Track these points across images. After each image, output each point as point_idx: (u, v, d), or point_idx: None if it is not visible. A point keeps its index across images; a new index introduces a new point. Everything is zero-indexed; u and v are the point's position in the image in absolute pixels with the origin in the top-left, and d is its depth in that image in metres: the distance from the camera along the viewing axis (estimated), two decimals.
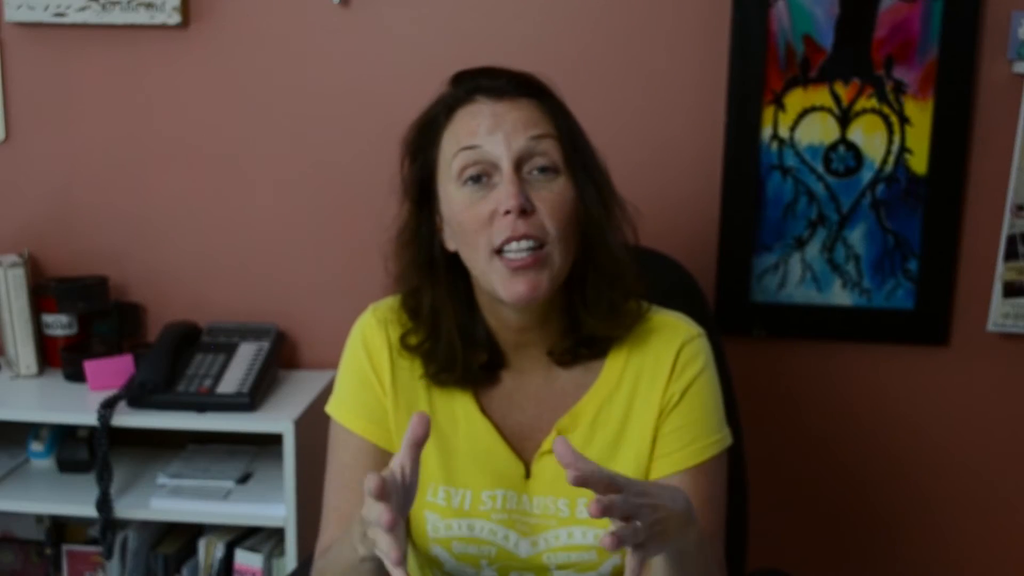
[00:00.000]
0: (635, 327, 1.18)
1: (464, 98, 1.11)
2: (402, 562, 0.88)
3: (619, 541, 0.86)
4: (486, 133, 1.08)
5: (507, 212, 1.06)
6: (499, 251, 1.07)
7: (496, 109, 1.09)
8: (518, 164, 1.08)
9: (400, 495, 0.93)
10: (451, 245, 1.15)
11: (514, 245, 1.07)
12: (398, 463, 0.95)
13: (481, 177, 1.09)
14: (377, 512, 0.88)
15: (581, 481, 0.88)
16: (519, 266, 1.07)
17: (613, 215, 1.15)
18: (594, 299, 1.15)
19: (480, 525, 1.15)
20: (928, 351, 1.86)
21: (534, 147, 1.09)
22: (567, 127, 1.13)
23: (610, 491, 0.89)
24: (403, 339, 1.18)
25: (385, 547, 0.89)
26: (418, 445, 0.96)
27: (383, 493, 0.89)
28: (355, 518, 1.00)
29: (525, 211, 1.06)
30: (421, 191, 1.15)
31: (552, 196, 1.09)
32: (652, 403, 1.16)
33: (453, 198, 1.11)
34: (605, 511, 0.87)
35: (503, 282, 1.08)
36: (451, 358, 1.15)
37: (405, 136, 1.16)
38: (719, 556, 1.17)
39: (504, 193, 1.06)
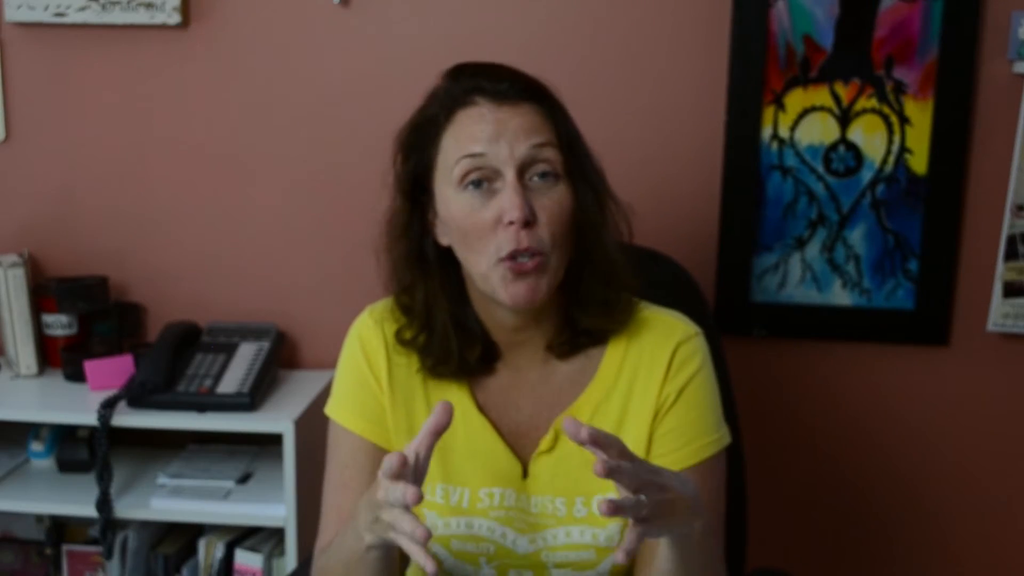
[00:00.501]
0: (630, 321, 1.18)
1: (463, 99, 1.11)
2: (427, 540, 0.89)
3: (616, 509, 0.86)
4: (489, 140, 1.08)
5: (511, 223, 1.06)
6: (503, 259, 1.08)
7: (498, 115, 1.09)
8: (520, 171, 1.08)
9: (411, 480, 0.93)
10: (444, 241, 1.15)
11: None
12: (413, 448, 0.95)
13: (482, 183, 1.09)
14: (400, 490, 0.89)
15: (595, 440, 0.88)
16: (521, 270, 1.07)
17: (609, 216, 1.16)
18: (588, 298, 1.16)
19: (478, 523, 1.15)
20: (928, 351, 1.86)
21: (536, 154, 1.09)
22: (566, 132, 1.13)
23: (623, 458, 0.90)
24: (398, 334, 1.18)
25: (409, 527, 0.90)
26: (437, 433, 0.96)
27: (403, 473, 0.89)
28: (359, 507, 1.01)
29: (528, 222, 1.07)
30: (415, 188, 1.15)
31: (552, 204, 1.09)
32: (647, 403, 1.16)
33: (452, 202, 1.10)
34: (610, 472, 0.87)
35: (504, 285, 1.08)
36: (446, 350, 1.16)
37: (400, 132, 1.16)
38: (719, 556, 1.17)
39: (508, 203, 1.07)
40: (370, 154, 1.81)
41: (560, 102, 1.14)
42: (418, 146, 1.14)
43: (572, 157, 1.12)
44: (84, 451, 1.82)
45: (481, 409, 1.17)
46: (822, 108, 1.79)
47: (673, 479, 0.95)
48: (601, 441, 0.89)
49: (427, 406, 1.18)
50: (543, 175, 1.09)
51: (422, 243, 1.16)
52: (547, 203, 1.09)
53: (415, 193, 1.15)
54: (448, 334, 1.15)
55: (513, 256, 1.07)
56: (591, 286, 1.15)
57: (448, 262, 1.16)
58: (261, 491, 1.77)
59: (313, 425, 1.67)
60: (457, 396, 1.18)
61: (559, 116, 1.13)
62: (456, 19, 1.84)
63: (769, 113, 1.80)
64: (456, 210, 1.10)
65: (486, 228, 1.08)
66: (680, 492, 0.95)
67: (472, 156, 1.08)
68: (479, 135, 1.09)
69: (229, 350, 1.84)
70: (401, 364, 1.19)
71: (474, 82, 1.11)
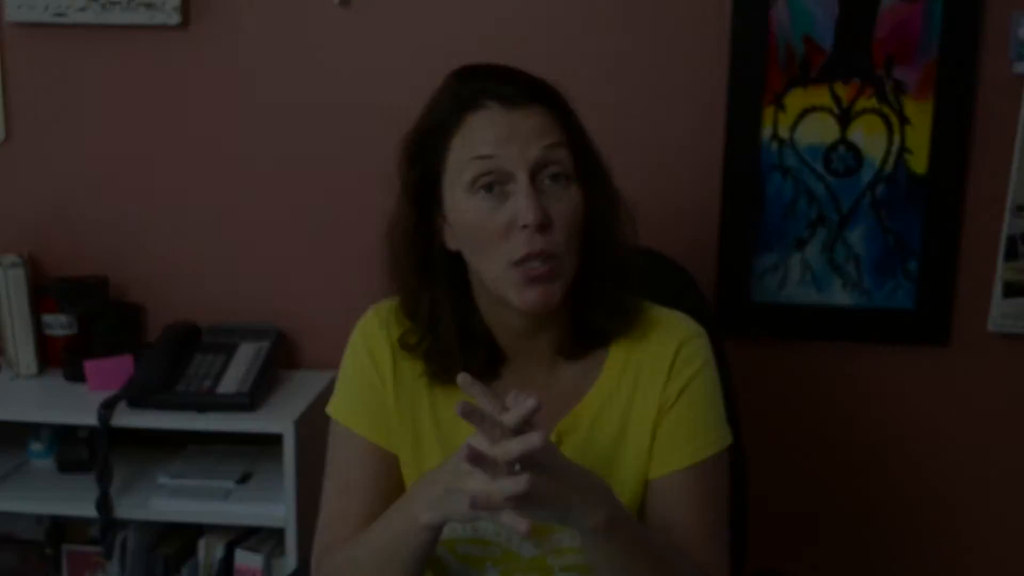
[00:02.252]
0: (636, 323, 1.18)
1: (472, 102, 1.10)
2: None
3: (476, 457, 0.93)
4: (499, 142, 1.07)
5: (525, 226, 1.06)
6: (516, 263, 1.08)
7: (509, 117, 1.08)
8: (532, 174, 1.08)
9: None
10: (453, 246, 1.14)
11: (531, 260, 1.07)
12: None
13: (494, 186, 1.08)
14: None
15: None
16: (535, 276, 1.07)
17: (619, 217, 1.15)
18: (599, 300, 1.15)
19: (484, 527, 1.15)
20: (928, 351, 1.86)
21: (548, 156, 1.08)
22: (576, 132, 1.12)
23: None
24: (402, 339, 1.18)
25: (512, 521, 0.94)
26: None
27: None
28: (419, 492, 1.04)
29: (543, 225, 1.06)
30: (422, 194, 1.15)
31: (565, 208, 1.09)
32: (650, 403, 1.16)
33: (463, 206, 1.10)
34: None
35: (518, 291, 1.08)
36: (450, 357, 1.15)
37: (408, 137, 1.15)
38: (720, 556, 1.17)
39: (523, 207, 1.06)
40: (370, 154, 1.83)
41: (568, 103, 1.14)
42: (426, 152, 1.13)
43: (583, 158, 1.12)
44: (84, 451, 1.82)
45: None
46: (822, 108, 1.79)
47: (574, 472, 0.99)
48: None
49: (432, 411, 1.18)
50: (555, 177, 1.09)
51: (429, 250, 1.15)
52: (560, 207, 1.08)
53: (423, 200, 1.14)
54: (451, 340, 1.15)
55: (526, 260, 1.06)
56: (602, 288, 1.15)
57: (454, 267, 1.15)
58: (261, 491, 1.77)
59: (313, 425, 1.66)
60: (463, 399, 1.17)
61: (568, 117, 1.12)
62: (456, 19, 1.84)
63: (769, 113, 1.80)
64: (467, 214, 1.09)
65: (498, 232, 1.07)
66: (575, 485, 0.98)
67: (483, 158, 1.08)
68: (489, 138, 1.08)
69: (229, 350, 1.84)
70: (406, 367, 1.18)
71: (480, 85, 1.10)
